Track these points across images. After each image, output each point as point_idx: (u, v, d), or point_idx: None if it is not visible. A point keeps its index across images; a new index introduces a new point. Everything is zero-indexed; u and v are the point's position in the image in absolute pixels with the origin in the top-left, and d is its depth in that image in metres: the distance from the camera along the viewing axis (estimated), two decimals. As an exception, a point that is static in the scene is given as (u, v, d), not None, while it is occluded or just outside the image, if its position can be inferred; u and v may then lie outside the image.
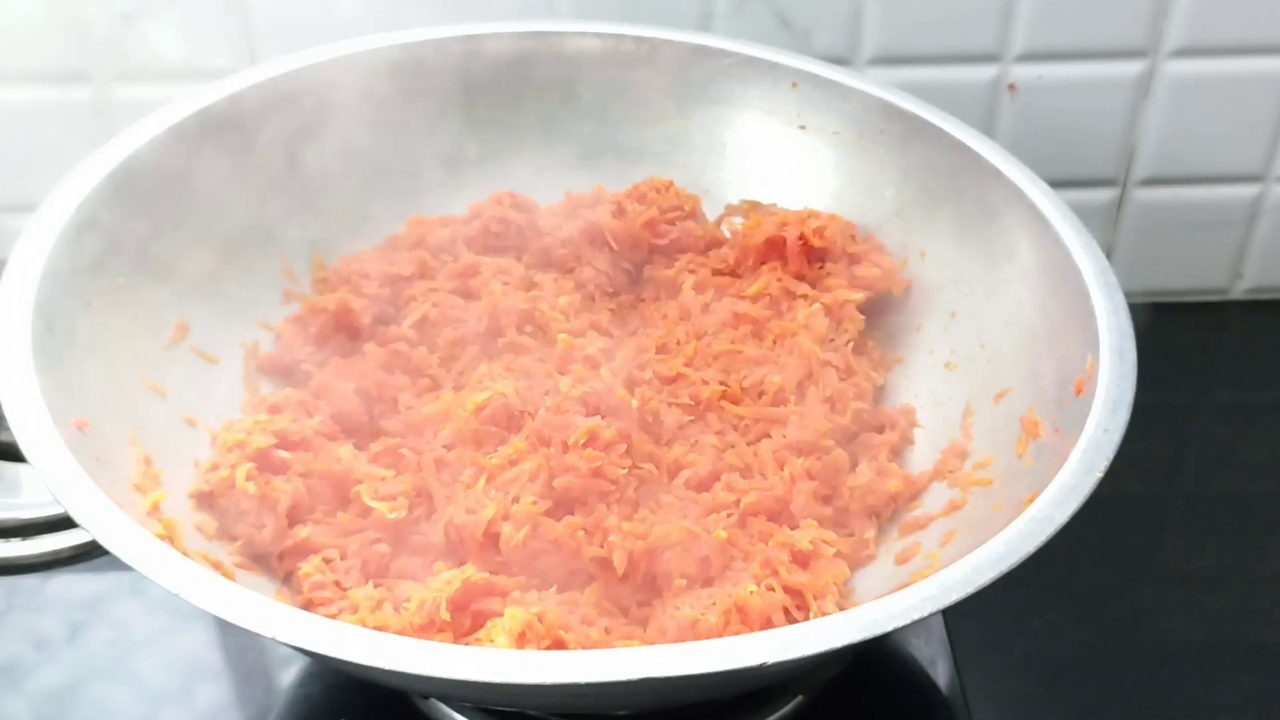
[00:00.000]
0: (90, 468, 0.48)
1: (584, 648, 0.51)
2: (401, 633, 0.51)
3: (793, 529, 0.59)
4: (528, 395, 0.61)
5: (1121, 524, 0.70)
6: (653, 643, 0.54)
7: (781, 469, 0.61)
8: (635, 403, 0.61)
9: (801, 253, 0.70)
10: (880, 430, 0.65)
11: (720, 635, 0.52)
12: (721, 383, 0.65)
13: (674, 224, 0.72)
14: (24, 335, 0.52)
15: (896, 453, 0.65)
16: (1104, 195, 0.85)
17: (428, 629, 0.52)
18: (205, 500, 0.57)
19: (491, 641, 0.50)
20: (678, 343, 0.68)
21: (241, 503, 0.57)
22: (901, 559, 0.59)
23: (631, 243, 0.71)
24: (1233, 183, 0.85)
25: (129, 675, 0.62)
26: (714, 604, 0.54)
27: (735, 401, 0.65)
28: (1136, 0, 0.78)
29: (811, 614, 0.54)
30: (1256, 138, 0.83)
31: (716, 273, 0.72)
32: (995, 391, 0.62)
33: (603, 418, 0.59)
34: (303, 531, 0.57)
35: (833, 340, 0.67)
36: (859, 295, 0.68)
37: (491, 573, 0.55)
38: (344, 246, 0.71)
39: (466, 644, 0.51)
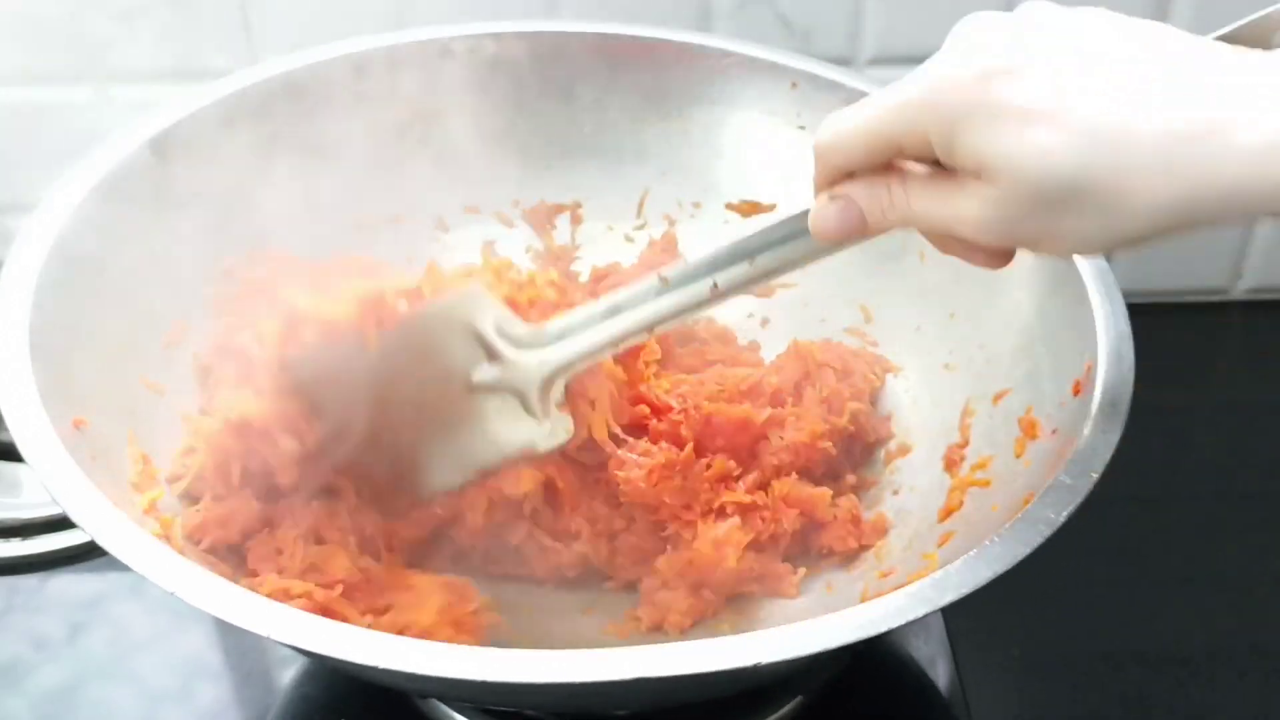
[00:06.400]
0: (88, 467, 0.48)
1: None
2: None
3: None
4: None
5: (1121, 524, 0.70)
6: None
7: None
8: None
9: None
10: (879, 432, 0.65)
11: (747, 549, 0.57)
12: (720, 383, 0.65)
13: None
14: (22, 334, 0.52)
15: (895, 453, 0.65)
16: (1104, 195, 0.85)
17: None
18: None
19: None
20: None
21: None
22: (900, 559, 0.59)
23: None
24: (1233, 183, 0.85)
25: (129, 675, 0.62)
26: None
27: (735, 401, 0.64)
28: (1136, 1, 0.78)
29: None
30: (1257, 138, 0.83)
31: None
32: (994, 392, 0.62)
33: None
34: None
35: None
36: (858, 295, 0.69)
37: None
38: (342, 247, 0.71)
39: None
